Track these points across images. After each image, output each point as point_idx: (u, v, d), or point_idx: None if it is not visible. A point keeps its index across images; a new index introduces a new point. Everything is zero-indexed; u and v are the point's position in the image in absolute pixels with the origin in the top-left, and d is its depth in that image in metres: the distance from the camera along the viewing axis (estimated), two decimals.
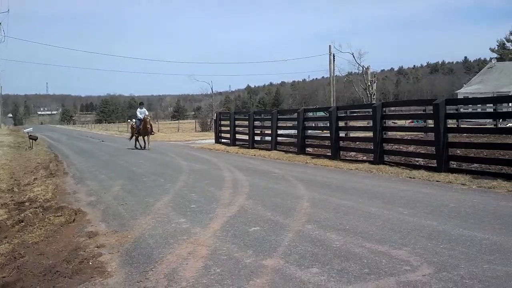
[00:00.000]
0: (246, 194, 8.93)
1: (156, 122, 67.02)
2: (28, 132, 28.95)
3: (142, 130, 22.95)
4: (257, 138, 21.13)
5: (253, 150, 19.76)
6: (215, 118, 27.69)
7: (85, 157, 19.88)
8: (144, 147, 22.80)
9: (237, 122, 23.24)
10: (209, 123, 50.51)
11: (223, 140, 24.58)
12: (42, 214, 7.73)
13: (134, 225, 6.81)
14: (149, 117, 23.51)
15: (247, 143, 21.15)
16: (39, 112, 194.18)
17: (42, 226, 6.99)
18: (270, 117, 19.69)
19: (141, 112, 23.68)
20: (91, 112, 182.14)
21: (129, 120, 27.07)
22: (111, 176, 12.53)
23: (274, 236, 5.81)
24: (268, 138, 20.06)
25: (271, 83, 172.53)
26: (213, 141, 26.13)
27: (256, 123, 21.29)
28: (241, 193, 9.06)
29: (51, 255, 5.61)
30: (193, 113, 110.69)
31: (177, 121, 72.46)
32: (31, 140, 26.41)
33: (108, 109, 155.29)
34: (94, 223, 7.09)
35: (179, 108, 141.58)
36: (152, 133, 23.90)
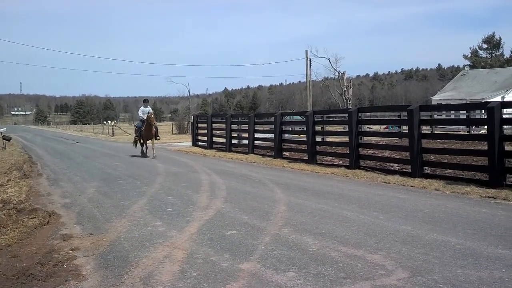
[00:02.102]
0: (223, 197, 8.92)
1: (132, 124, 66.45)
2: (1, 133, 28.41)
3: (144, 132, 18.68)
4: (234, 141, 21.12)
5: (230, 153, 19.76)
6: (192, 121, 27.57)
7: (59, 158, 19.59)
8: (146, 153, 18.78)
9: (214, 125, 23.19)
10: (186, 126, 50.34)
11: (200, 143, 24.50)
12: (16, 216, 7.59)
13: (109, 228, 6.74)
14: (153, 115, 18.92)
15: (224, 146, 21.13)
16: (13, 112, 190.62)
17: (16, 228, 6.86)
18: (248, 120, 19.71)
19: (144, 111, 19.39)
20: (66, 113, 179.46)
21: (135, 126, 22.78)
22: (86, 178, 12.37)
23: (251, 239, 5.82)
24: (245, 142, 20.07)
25: (248, 87, 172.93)
26: (190, 143, 26.03)
27: (234, 126, 21.28)
28: (218, 196, 9.05)
29: (25, 257, 5.51)
30: (170, 115, 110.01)
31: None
32: (4, 141, 25.97)
33: (83, 110, 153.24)
34: (69, 226, 7.00)
35: (155, 110, 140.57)
36: (158, 137, 19.51)
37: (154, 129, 18.50)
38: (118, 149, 25.11)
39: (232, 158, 17.81)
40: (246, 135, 19.79)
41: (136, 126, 20.95)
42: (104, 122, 75.28)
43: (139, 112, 20.08)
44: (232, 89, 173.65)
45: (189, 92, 62.48)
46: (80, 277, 4.70)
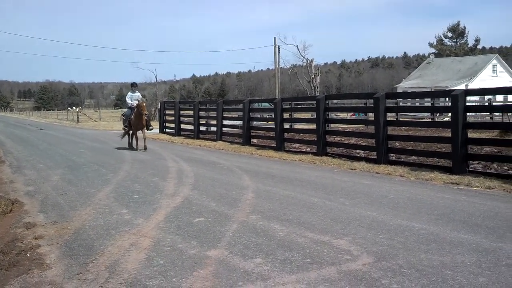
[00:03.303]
0: (191, 184, 8.87)
1: (98, 111, 65.45)
2: None
3: (134, 122, 16.05)
4: (203, 128, 21.00)
5: (198, 140, 19.66)
6: (159, 108, 27.31)
7: (23, 145, 19.13)
8: (137, 146, 16.06)
9: (182, 112, 22.98)
10: (153, 113, 49.75)
11: (167, 130, 24.31)
12: None
13: (74, 216, 6.63)
14: (144, 103, 16.37)
15: (192, 133, 21.00)
16: None
17: None
18: (216, 107, 19.61)
19: (133, 97, 16.86)
20: (29, 99, 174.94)
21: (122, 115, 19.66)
22: (50, 166, 12.12)
23: (218, 227, 5.81)
24: (213, 129, 19.98)
25: (216, 73, 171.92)
26: (157, 130, 25.74)
27: (202, 113, 21.14)
28: (186, 183, 9.00)
29: None
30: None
31: (119, 110, 70.84)
32: None
33: (47, 96, 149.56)
34: (32, 214, 6.85)
35: (121, 97, 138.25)
36: (151, 127, 17.09)
37: (146, 118, 16.22)
38: (83, 136, 24.70)
39: (200, 145, 17.73)
40: (214, 122, 19.70)
41: (123, 115, 18.05)
42: (69, 108, 73.71)
43: (127, 99, 17.31)
44: (200, 75, 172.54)
45: (156, 78, 61.72)
46: (44, 266, 4.62)
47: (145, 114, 15.97)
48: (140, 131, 16.19)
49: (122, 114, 19.17)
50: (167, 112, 25.28)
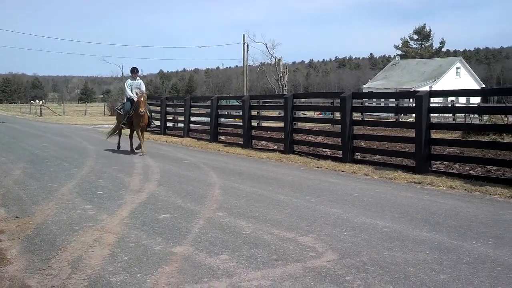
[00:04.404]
0: (157, 181, 8.79)
1: (62, 104, 64.17)
2: None
3: (135, 119, 13.16)
4: (169, 124, 20.84)
5: (165, 136, 19.49)
6: (125, 102, 26.89)
7: None
8: (136, 149, 13.32)
9: (119, 107, 22.67)
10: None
11: None
12: None
13: (36, 210, 6.48)
14: (143, 97, 13.06)
15: (159, 129, 20.76)
16: None
17: None
18: (183, 103, 19.48)
19: (134, 86, 13.62)
20: None
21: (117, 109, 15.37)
22: (12, 159, 11.81)
23: (184, 223, 5.78)
24: (180, 125, 19.84)
25: (184, 69, 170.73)
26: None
27: (169, 109, 20.97)
28: (152, 179, 8.91)
29: None
30: (102, 96, 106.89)
31: (84, 104, 69.61)
32: None
33: (9, 89, 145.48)
34: None
35: (86, 91, 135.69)
36: (153, 124, 14.67)
37: (148, 115, 13.51)
38: (46, 130, 24.15)
39: (166, 141, 17.59)
40: (181, 118, 19.56)
41: (119, 109, 14.57)
42: (32, 101, 71.95)
43: (126, 88, 13.99)
44: (168, 71, 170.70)
45: (122, 73, 61.00)
46: (5, 261, 4.50)
47: (146, 110, 13.08)
48: (140, 131, 13.27)
49: (117, 108, 15.08)
50: None
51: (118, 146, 14.05)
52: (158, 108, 21.32)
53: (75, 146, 15.46)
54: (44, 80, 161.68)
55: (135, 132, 13.66)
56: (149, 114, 13.61)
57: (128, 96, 13.66)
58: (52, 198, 7.27)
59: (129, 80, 14.07)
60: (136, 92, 13.29)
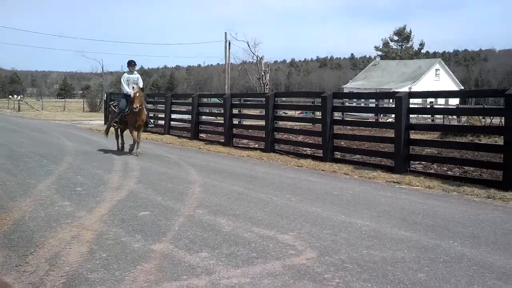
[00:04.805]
0: (137, 178, 8.73)
1: (41, 100, 63.28)
2: None
3: (130, 118, 12.02)
4: (150, 121, 20.67)
5: (145, 133, 19.27)
6: (105, 99, 26.71)
7: None
8: (131, 149, 12.20)
9: (115, 103, 22.49)
10: (98, 104, 48.67)
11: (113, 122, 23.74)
12: None
13: (13, 207, 6.37)
14: (141, 94, 12.02)
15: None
16: None
17: None
18: (164, 100, 19.37)
19: (131, 81, 12.54)
20: None
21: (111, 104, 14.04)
22: None
23: (164, 220, 5.75)
24: (161, 122, 19.72)
25: (165, 66, 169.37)
26: (103, 122, 25.20)
27: (149, 106, 20.77)
28: (131, 176, 8.84)
29: None
30: (81, 92, 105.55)
31: (63, 100, 68.70)
32: None
33: None
34: None
35: (66, 86, 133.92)
36: (151, 124, 13.47)
37: (146, 113, 12.48)
38: (24, 125, 23.80)
39: (147, 138, 17.43)
40: (162, 115, 19.45)
41: (114, 105, 13.40)
42: (10, 96, 70.72)
43: (122, 83, 12.82)
44: (148, 68, 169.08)
45: (102, 68, 60.47)
46: None
47: (136, 108, 11.65)
48: (137, 130, 12.12)
49: (112, 104, 13.74)
50: (113, 103, 24.69)
51: (118, 147, 12.89)
52: None
53: (54, 142, 15.26)
54: (23, 74, 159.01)
55: (131, 131, 12.17)
56: (146, 112, 12.59)
57: (125, 92, 12.43)
58: (30, 194, 7.17)
59: (125, 74, 12.93)
60: (133, 87, 12.11)
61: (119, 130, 12.93)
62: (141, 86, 12.26)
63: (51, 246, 4.74)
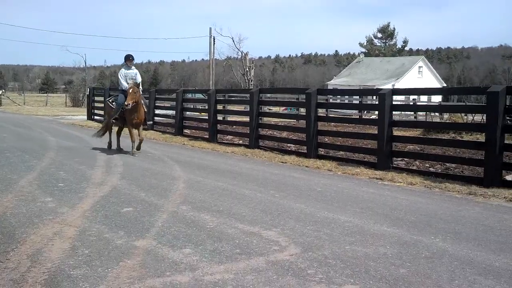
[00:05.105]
0: (120, 174, 8.67)
1: (22, 94, 62.47)
2: None
3: (129, 115, 11.42)
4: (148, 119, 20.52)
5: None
6: (88, 94, 26.49)
7: None
8: (133, 149, 11.44)
9: (112, 99, 22.32)
10: (81, 99, 48.26)
11: (96, 117, 23.62)
12: None
13: None
14: (139, 88, 11.54)
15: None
16: None
17: None
18: (148, 96, 19.24)
19: (128, 76, 12.03)
20: None
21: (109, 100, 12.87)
22: None
23: (147, 217, 5.73)
24: None
25: (149, 61, 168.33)
26: (85, 117, 25.01)
27: None
28: (114, 172, 8.78)
29: None
30: (64, 86, 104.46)
31: (45, 94, 67.93)
32: None
33: None
34: None
35: (48, 81, 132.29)
36: (150, 122, 12.90)
37: (145, 110, 11.84)
38: (6, 120, 23.49)
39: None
40: (146, 110, 19.28)
41: (111, 101, 12.64)
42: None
43: (119, 78, 12.20)
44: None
45: (85, 63, 59.92)
46: None
47: (141, 103, 11.50)
48: (135, 128, 11.59)
49: (109, 100, 13.00)
50: (96, 98, 24.53)
51: (110, 145, 12.27)
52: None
53: (36, 137, 15.09)
54: (4, 69, 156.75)
55: (130, 128, 11.57)
56: (145, 109, 11.89)
57: (124, 88, 11.75)
58: (12, 190, 7.08)
59: (123, 69, 12.33)
60: (132, 81, 11.62)
61: (117, 128, 12.28)
62: (138, 82, 11.73)
63: (33, 243, 4.69)
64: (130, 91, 11.10)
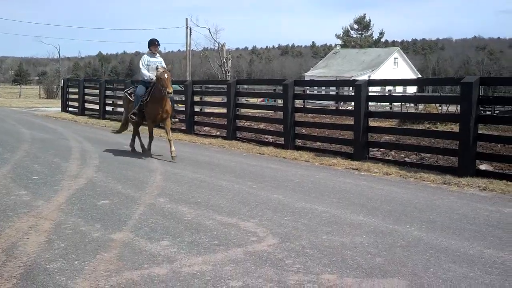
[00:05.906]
0: (96, 166, 8.58)
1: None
2: None
3: (151, 109, 9.75)
4: (109, 108, 20.31)
5: (104, 120, 18.98)
6: (62, 85, 26.05)
7: None
8: (171, 153, 9.46)
9: (87, 91, 22.03)
10: (55, 90, 47.48)
11: (71, 109, 23.23)
12: None
13: None
14: (169, 75, 9.34)
15: (98, 113, 20.25)
16: None
17: None
18: (124, 87, 19.02)
19: (152, 65, 10.02)
20: None
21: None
22: None
23: (124, 209, 5.69)
24: (120, 109, 19.37)
25: (125, 52, 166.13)
26: (60, 109, 24.63)
27: (108, 92, 20.41)
28: (90, 165, 8.68)
29: None
30: (38, 78, 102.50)
31: (18, 86, 66.58)
32: None
33: None
34: None
35: (21, 72, 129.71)
36: (175, 119, 10.67)
37: (170, 104, 9.88)
38: None
39: (106, 126, 17.16)
40: (121, 102, 19.09)
41: (129, 93, 10.76)
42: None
43: (140, 66, 10.33)
44: (107, 53, 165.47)
45: (59, 54, 58.89)
46: None
47: (169, 95, 9.30)
48: (164, 124, 10.13)
49: (126, 91, 11.08)
50: (70, 90, 24.12)
51: (133, 147, 10.52)
52: (97, 92, 20.77)
53: (9, 130, 14.80)
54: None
55: (153, 124, 10.47)
56: (171, 103, 9.98)
57: (145, 78, 9.98)
58: None
59: (145, 56, 10.39)
60: (157, 67, 9.64)
61: (134, 125, 10.50)
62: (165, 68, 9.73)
63: (7, 236, 4.62)
64: (166, 76, 9.16)
